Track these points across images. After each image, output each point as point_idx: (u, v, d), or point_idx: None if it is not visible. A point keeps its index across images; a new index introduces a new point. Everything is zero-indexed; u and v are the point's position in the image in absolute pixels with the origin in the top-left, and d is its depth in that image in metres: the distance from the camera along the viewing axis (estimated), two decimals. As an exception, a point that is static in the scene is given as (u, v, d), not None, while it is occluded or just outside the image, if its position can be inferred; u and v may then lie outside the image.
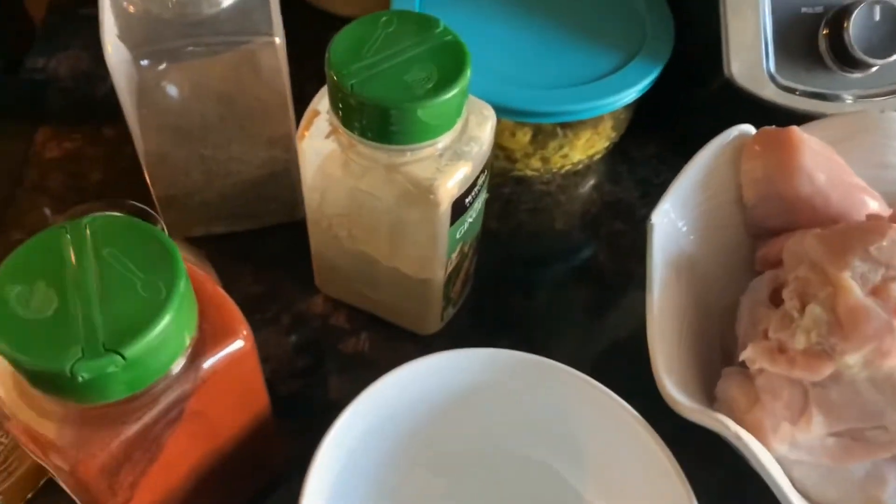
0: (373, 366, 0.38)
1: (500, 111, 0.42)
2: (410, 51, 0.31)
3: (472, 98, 0.34)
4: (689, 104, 0.47)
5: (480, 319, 0.42)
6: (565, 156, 0.45)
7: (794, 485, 0.31)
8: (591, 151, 0.46)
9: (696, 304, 0.36)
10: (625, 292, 0.44)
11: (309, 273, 0.41)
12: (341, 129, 0.31)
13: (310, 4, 0.54)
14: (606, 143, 0.46)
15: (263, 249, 0.43)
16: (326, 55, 0.30)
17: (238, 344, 0.27)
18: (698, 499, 0.34)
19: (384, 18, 0.31)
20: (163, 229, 0.34)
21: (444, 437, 0.33)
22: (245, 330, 0.27)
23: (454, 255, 0.36)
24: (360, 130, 0.31)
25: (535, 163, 0.46)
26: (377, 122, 0.30)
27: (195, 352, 0.26)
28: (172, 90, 0.37)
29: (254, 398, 0.30)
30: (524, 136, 0.44)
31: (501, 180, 0.47)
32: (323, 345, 0.40)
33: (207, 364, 0.26)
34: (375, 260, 0.36)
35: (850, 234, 0.30)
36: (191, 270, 0.27)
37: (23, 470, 0.33)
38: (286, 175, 0.41)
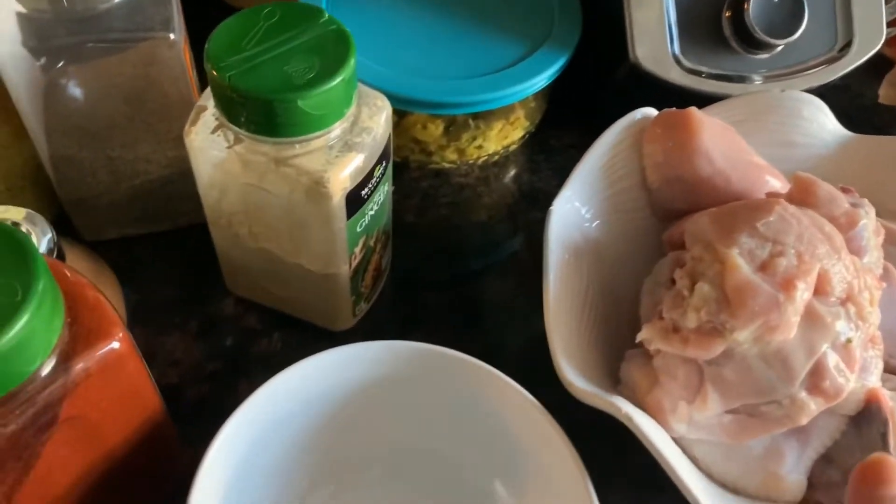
0: (285, 366, 0.37)
1: (410, 103, 0.42)
2: (292, 41, 0.30)
3: (364, 88, 0.33)
4: (602, 91, 0.47)
5: (396, 314, 0.42)
6: (480, 147, 0.45)
7: (696, 464, 0.31)
8: (505, 142, 0.46)
9: (604, 289, 0.36)
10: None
11: (221, 274, 0.40)
12: (226, 123, 0.31)
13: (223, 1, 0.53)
14: (521, 133, 0.46)
15: (176, 252, 0.42)
16: (205, 48, 0.30)
17: (113, 346, 0.26)
18: (619, 484, 0.34)
19: (266, 10, 0.31)
20: (51, 233, 0.33)
21: (343, 434, 0.33)
22: (121, 332, 0.26)
23: (357, 249, 0.35)
24: (243, 124, 0.30)
25: (451, 155, 0.45)
26: (259, 114, 0.29)
27: (66, 355, 0.25)
28: (76, 90, 0.36)
29: (142, 403, 0.29)
30: (436, 129, 0.44)
31: (420, 174, 0.47)
32: (234, 347, 0.39)
33: (79, 367, 0.25)
34: (278, 257, 0.36)
35: (739, 212, 0.31)
36: (61, 273, 0.27)
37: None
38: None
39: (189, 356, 0.39)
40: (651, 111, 0.38)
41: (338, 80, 0.29)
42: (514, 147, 0.47)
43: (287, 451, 0.32)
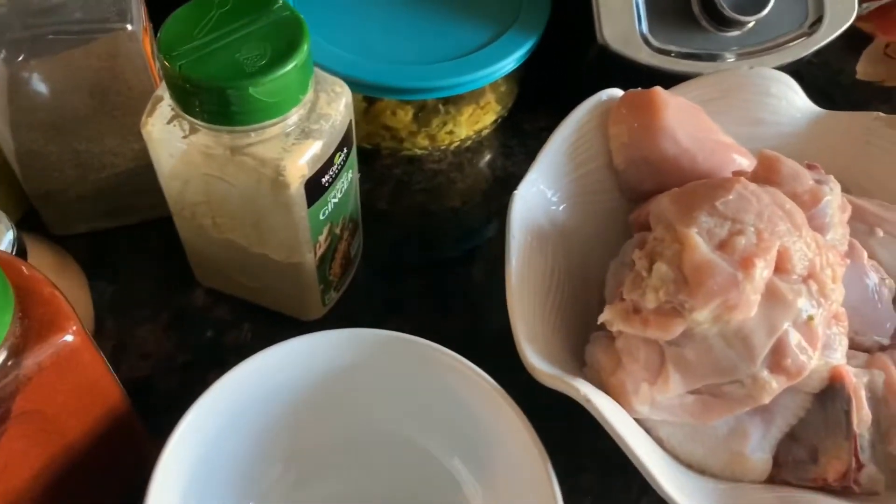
0: (255, 356, 0.37)
1: (378, 90, 0.42)
2: (245, 29, 0.30)
3: (322, 74, 0.33)
4: (574, 74, 0.46)
5: (369, 302, 0.42)
6: (451, 132, 0.45)
7: (661, 445, 0.31)
8: (477, 127, 0.46)
9: (572, 272, 0.36)
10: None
11: (190, 266, 0.40)
12: (181, 113, 0.30)
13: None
14: (493, 118, 0.46)
15: (145, 244, 0.42)
16: (156, 38, 0.30)
17: (66, 339, 0.26)
18: (589, 467, 0.34)
19: (219, -2, 0.31)
20: (13, 230, 0.33)
21: (308, 422, 0.33)
22: (74, 325, 0.26)
23: (322, 238, 0.35)
24: (197, 114, 0.30)
25: (422, 141, 0.45)
26: (212, 103, 0.29)
27: (17, 349, 0.25)
28: (40, 84, 0.36)
29: (101, 396, 0.29)
30: (406, 115, 0.43)
31: (392, 161, 0.47)
32: (205, 339, 0.39)
33: (30, 361, 0.25)
34: (243, 247, 0.35)
35: (699, 191, 0.30)
36: (16, 268, 0.27)
37: None
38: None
39: (160, 348, 0.39)
40: (617, 92, 0.37)
41: (290, 66, 0.29)
42: (486, 132, 0.47)
43: (252, 440, 0.32)
